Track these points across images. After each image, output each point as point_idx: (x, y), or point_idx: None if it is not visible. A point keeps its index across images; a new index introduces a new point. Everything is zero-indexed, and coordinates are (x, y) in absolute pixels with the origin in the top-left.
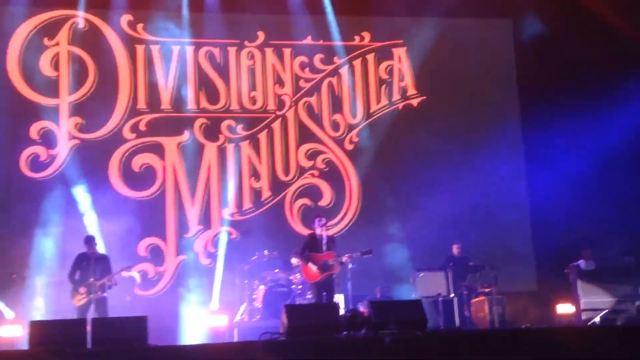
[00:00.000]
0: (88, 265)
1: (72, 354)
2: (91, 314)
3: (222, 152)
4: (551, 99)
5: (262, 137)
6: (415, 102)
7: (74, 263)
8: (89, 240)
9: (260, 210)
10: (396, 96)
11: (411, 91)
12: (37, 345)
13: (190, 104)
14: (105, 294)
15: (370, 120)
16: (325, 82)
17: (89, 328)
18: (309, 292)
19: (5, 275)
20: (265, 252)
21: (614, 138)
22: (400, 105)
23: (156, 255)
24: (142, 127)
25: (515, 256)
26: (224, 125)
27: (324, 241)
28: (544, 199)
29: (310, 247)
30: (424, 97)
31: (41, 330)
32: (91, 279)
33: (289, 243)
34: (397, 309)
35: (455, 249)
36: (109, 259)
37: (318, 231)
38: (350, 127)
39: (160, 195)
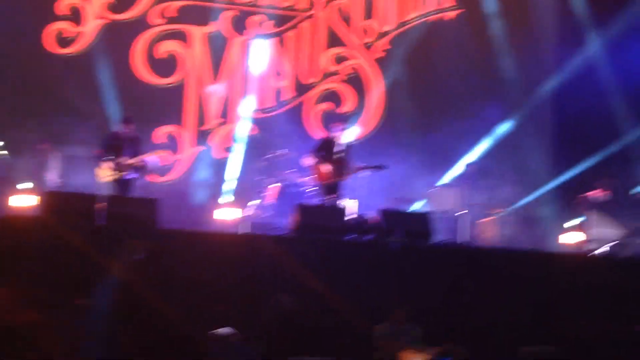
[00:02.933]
0: (120, 145)
1: (82, 226)
2: (111, 192)
3: (248, 46)
4: (592, 13)
5: (290, 36)
6: (451, 14)
7: (105, 140)
8: (127, 121)
9: (282, 109)
10: (432, 6)
11: (448, 2)
12: (48, 214)
13: None
14: (132, 176)
15: (403, 29)
16: None
17: (102, 204)
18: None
19: (25, 146)
20: (282, 151)
21: None
22: (436, 16)
23: (173, 144)
24: (171, 12)
25: (533, 178)
26: (252, 19)
27: (340, 147)
28: (569, 123)
29: (325, 150)
30: (462, 10)
31: (54, 201)
32: (122, 158)
33: (307, 145)
34: (406, 219)
35: (469, 170)
36: (140, 140)
37: (336, 136)
38: (381, 35)
39: (182, 83)
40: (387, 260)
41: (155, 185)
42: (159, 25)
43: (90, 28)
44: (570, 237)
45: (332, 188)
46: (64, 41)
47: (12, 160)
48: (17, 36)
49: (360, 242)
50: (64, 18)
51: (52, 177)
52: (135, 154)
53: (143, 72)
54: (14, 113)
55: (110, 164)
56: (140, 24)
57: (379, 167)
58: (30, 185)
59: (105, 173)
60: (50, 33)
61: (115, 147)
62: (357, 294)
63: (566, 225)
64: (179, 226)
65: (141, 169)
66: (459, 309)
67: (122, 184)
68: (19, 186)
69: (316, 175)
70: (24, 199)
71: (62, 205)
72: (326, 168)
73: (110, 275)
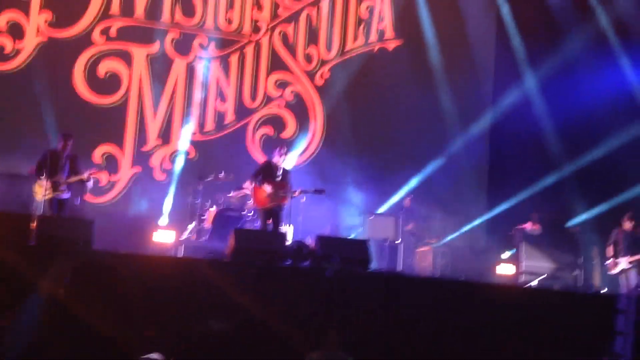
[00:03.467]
0: (57, 162)
1: (14, 246)
2: (46, 212)
3: (190, 69)
4: (528, 51)
5: (234, 59)
6: (391, 45)
7: (41, 158)
8: (65, 138)
9: (222, 132)
10: (373, 37)
11: (389, 34)
12: None
13: (165, 16)
14: (67, 195)
15: (344, 57)
16: (304, 12)
17: (34, 224)
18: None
19: None
20: (221, 175)
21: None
22: (376, 47)
23: (111, 164)
24: (112, 32)
25: (468, 210)
26: (196, 42)
27: (279, 171)
28: (504, 157)
29: (264, 174)
30: (401, 42)
31: None
32: (58, 177)
33: (246, 169)
34: (343, 245)
35: (407, 201)
36: (78, 158)
37: (275, 160)
38: (323, 62)
39: (123, 104)
40: (322, 287)
41: (93, 205)
42: (100, 44)
43: (30, 44)
44: (506, 269)
45: (271, 213)
46: (3, 57)
47: None
48: None
49: (295, 268)
50: (3, 32)
51: None
52: (72, 172)
53: (83, 90)
54: None
55: (46, 182)
56: (81, 42)
57: (317, 192)
58: None
59: (41, 191)
60: None
61: (51, 165)
62: (291, 321)
63: (502, 256)
64: (115, 248)
65: (78, 188)
66: (393, 337)
67: (57, 203)
68: None
69: (255, 200)
70: None
71: None
72: (265, 193)
73: (38, 294)
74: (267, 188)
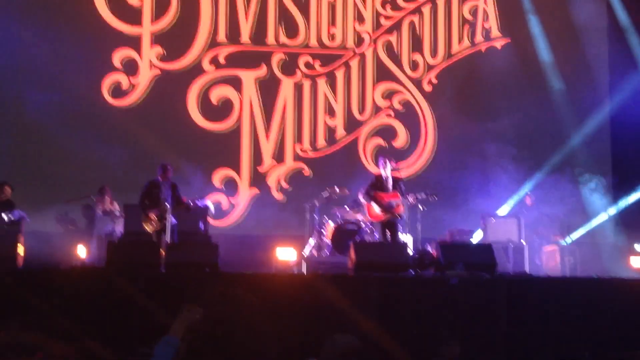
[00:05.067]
0: (160, 192)
1: (145, 275)
2: (162, 240)
3: (298, 88)
4: None
5: (339, 74)
6: (498, 44)
7: (144, 189)
8: (165, 168)
9: (334, 147)
10: (479, 38)
11: (495, 33)
12: (112, 264)
13: (270, 39)
14: (175, 222)
15: (450, 61)
16: (407, 20)
17: (162, 252)
18: None
19: (80, 195)
20: (337, 189)
21: None
22: (483, 47)
23: (230, 187)
24: (221, 59)
25: (595, 205)
26: (301, 60)
27: (389, 182)
28: (627, 148)
29: (375, 188)
30: (508, 40)
31: (117, 251)
32: (163, 206)
33: (361, 182)
34: (466, 251)
35: (528, 199)
36: (177, 186)
37: (382, 172)
38: (430, 68)
39: (236, 128)
40: (447, 295)
41: (216, 229)
42: (210, 72)
43: (144, 79)
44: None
45: (387, 224)
46: (120, 93)
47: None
48: (80, 86)
49: (419, 278)
50: (119, 70)
51: (117, 227)
52: (174, 200)
53: (198, 118)
54: (76, 162)
55: (152, 213)
56: (192, 72)
57: (430, 195)
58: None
59: (149, 222)
60: (107, 85)
61: (155, 195)
62: (416, 331)
63: (635, 248)
64: (240, 269)
65: (186, 211)
66: (524, 343)
67: (165, 231)
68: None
69: (370, 214)
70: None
71: (127, 254)
72: (380, 205)
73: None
74: (380, 202)
